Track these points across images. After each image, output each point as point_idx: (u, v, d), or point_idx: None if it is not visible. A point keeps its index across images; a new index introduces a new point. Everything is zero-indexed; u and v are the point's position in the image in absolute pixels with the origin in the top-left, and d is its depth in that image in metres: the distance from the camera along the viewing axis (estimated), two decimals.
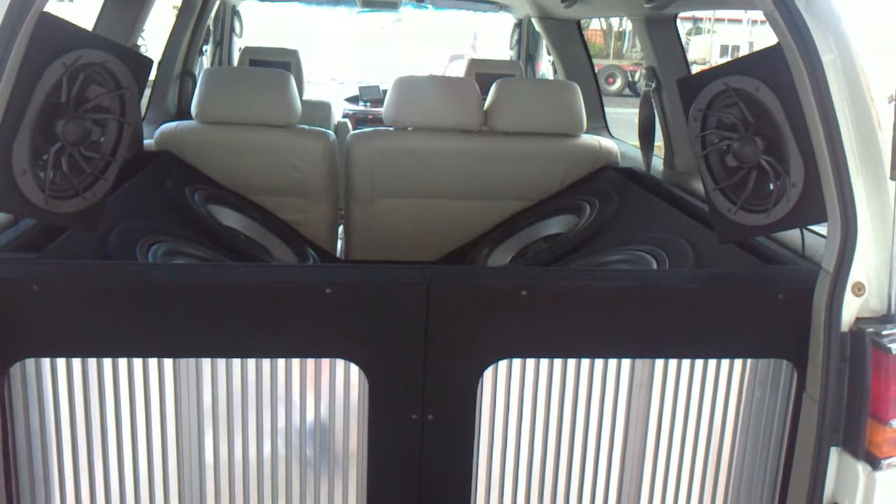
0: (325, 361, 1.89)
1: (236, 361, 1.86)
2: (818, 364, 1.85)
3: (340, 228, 3.75)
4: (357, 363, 1.88)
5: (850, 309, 1.82)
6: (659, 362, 1.94)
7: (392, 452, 1.95)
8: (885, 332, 1.78)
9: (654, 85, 3.21)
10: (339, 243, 3.80)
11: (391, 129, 3.43)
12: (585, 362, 1.93)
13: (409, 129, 3.42)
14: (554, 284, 1.97)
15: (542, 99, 3.44)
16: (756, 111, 2.03)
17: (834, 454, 1.84)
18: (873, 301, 1.83)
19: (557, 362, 1.92)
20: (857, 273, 1.81)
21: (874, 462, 1.78)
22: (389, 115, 3.38)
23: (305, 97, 4.35)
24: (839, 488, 1.85)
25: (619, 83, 26.50)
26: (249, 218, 3.24)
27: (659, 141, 3.40)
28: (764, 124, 2.02)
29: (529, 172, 3.41)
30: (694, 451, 2.00)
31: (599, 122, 4.31)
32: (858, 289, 1.82)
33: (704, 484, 2.02)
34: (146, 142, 3.38)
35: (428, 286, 1.87)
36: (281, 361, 1.88)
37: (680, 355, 1.95)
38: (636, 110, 3.37)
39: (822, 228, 2.09)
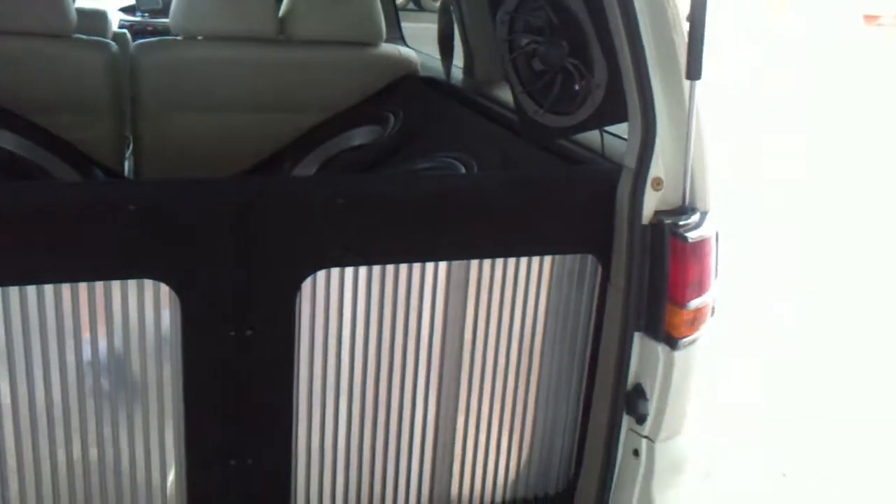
0: (132, 283, 1.77)
1: (31, 289, 1.70)
2: (622, 256, 1.97)
3: (129, 148, 3.50)
4: (167, 282, 1.78)
5: (651, 203, 1.93)
6: (473, 263, 1.98)
7: (210, 374, 1.88)
8: (681, 223, 1.91)
9: None
10: (128, 163, 3.55)
11: (179, 38, 3.21)
12: (403, 267, 1.93)
13: (200, 38, 3.21)
14: (369, 192, 1.95)
15: (341, 6, 3.33)
16: (562, 14, 2.07)
17: (637, 339, 1.98)
18: (670, 194, 1.95)
19: (376, 269, 1.91)
20: (655, 169, 1.92)
21: (673, 343, 1.93)
22: (177, 22, 3.15)
23: (76, 5, 3.97)
24: (642, 370, 1.99)
25: None
26: (24, 138, 2.94)
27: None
28: (569, 27, 2.07)
29: (329, 83, 3.33)
30: (508, 346, 2.08)
31: (395, 33, 4.25)
32: (657, 183, 1.93)
33: (519, 376, 2.11)
34: None
35: (241, 198, 1.79)
36: (83, 286, 1.74)
37: (493, 255, 2.00)
38: (417, 25, 3.34)
39: (619, 129, 2.20)
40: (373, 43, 3.36)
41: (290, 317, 1.88)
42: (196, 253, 1.80)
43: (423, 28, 4.29)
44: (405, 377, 2.03)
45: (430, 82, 3.34)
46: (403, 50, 3.50)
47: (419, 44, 4.21)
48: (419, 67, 3.47)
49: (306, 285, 1.87)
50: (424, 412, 2.07)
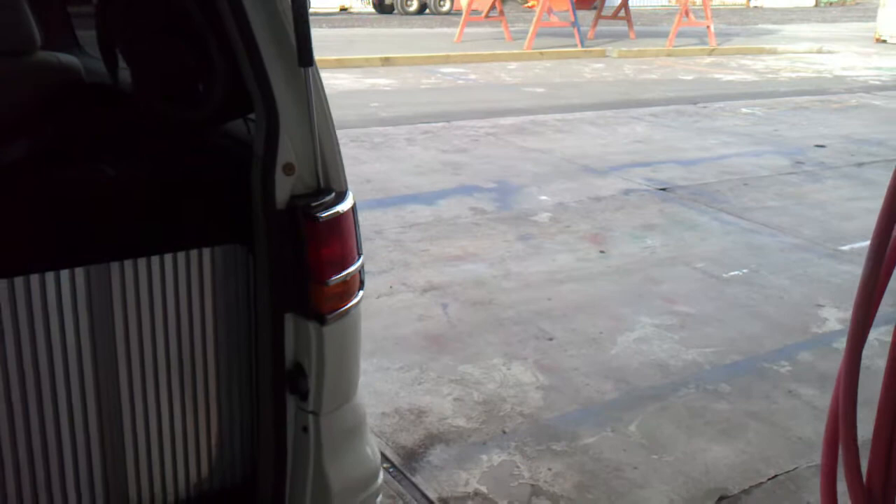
0: None
1: None
2: (263, 243, 2.02)
3: None
4: None
5: (284, 188, 1.98)
6: (115, 266, 1.95)
7: None
8: (313, 204, 1.98)
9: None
10: None
11: None
12: (34, 278, 1.86)
13: None
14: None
15: None
16: (175, 13, 2.08)
17: (290, 320, 2.03)
18: (306, 178, 2.02)
19: (2, 284, 1.83)
20: (284, 155, 1.98)
21: (321, 319, 2.01)
22: None
23: None
24: (299, 349, 2.05)
25: None
26: None
27: None
28: (186, 25, 2.08)
29: None
30: (166, 345, 2.07)
31: (69, 40, 4.04)
32: (289, 169, 1.99)
33: (183, 374, 2.11)
34: None
35: None
36: None
37: (137, 255, 1.98)
38: None
39: None
40: (26, 51, 3.17)
41: None
42: None
43: None
44: (57, 394, 1.96)
45: (95, 88, 3.22)
46: (64, 57, 3.33)
47: None
48: (83, 74, 3.33)
49: None
50: (85, 428, 2.02)
